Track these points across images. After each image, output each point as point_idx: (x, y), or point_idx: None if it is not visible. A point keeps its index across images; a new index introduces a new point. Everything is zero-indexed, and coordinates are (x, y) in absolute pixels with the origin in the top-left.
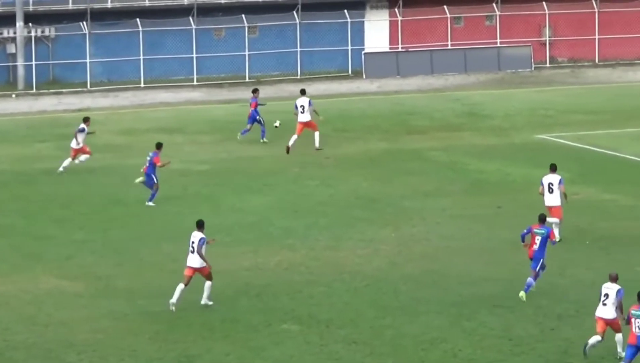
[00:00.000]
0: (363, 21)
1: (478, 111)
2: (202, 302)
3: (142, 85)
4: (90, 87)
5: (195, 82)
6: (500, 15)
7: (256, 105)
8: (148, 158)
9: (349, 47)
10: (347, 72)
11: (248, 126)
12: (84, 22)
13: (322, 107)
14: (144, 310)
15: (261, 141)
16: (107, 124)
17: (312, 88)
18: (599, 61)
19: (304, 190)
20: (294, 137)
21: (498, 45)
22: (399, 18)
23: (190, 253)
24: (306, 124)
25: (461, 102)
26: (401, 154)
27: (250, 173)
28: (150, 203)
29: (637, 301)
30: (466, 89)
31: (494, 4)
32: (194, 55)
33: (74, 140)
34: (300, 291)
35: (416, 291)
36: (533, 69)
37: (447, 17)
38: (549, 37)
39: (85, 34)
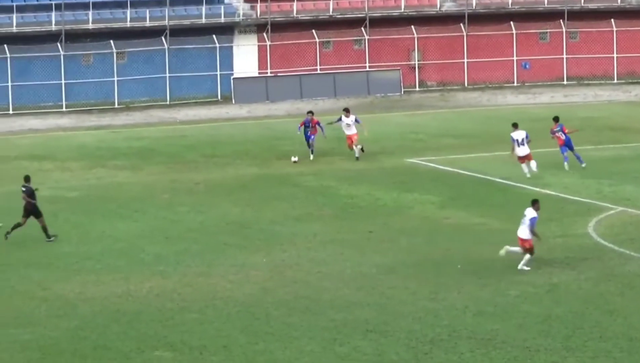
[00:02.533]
0: (232, 46)
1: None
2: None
3: (10, 111)
4: None
5: (64, 109)
6: (368, 40)
7: (316, 122)
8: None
9: (218, 72)
10: (217, 97)
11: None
12: None
13: (191, 133)
14: (15, 338)
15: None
16: None
17: (182, 113)
18: (468, 85)
19: (175, 216)
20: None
21: (367, 69)
22: (268, 43)
23: None
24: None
25: (331, 127)
26: (271, 179)
27: (120, 199)
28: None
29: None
30: (336, 114)
31: (363, 28)
32: (63, 81)
33: None
34: (172, 318)
35: (288, 317)
36: (403, 93)
37: (315, 42)
38: (418, 60)
39: None
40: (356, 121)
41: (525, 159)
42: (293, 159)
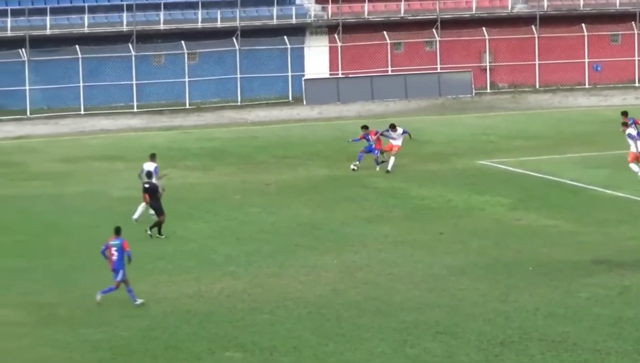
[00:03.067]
0: (303, 47)
1: (419, 137)
2: None
3: (82, 112)
4: (30, 114)
5: (135, 109)
6: (440, 41)
7: (376, 133)
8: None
9: (289, 74)
10: (288, 98)
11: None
12: (23, 49)
13: (263, 133)
14: (86, 338)
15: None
16: (46, 151)
17: (253, 115)
18: (539, 87)
19: (246, 217)
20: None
21: (438, 71)
22: (339, 44)
23: None
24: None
25: (402, 128)
26: (342, 181)
27: (191, 200)
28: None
29: None
30: (407, 115)
31: (434, 30)
32: (134, 82)
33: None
34: (243, 319)
35: (359, 318)
36: (474, 94)
37: (387, 43)
38: (490, 62)
39: (24, 60)
40: (404, 132)
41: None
42: (352, 166)
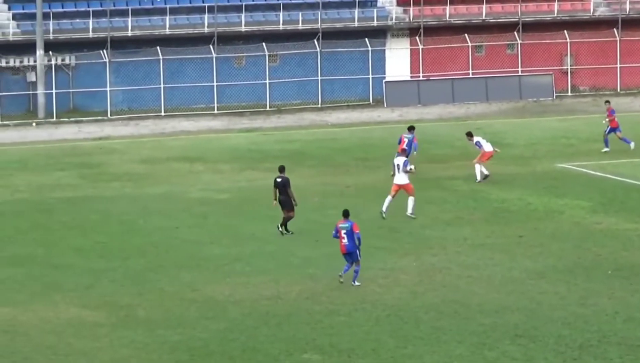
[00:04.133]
0: (384, 49)
1: (500, 140)
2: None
3: (162, 113)
4: (111, 115)
5: (215, 111)
6: (521, 44)
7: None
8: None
9: (370, 76)
10: (368, 100)
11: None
12: (104, 50)
13: (343, 136)
14: (164, 339)
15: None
16: (127, 152)
17: (333, 117)
18: (620, 90)
19: (325, 219)
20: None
21: (519, 73)
22: (420, 47)
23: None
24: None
25: (482, 131)
26: (422, 183)
27: (270, 201)
28: None
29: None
30: (488, 118)
31: (515, 33)
32: (215, 83)
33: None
34: (321, 321)
35: (437, 321)
36: (555, 97)
37: (468, 46)
38: (571, 65)
39: (105, 62)
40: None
41: None
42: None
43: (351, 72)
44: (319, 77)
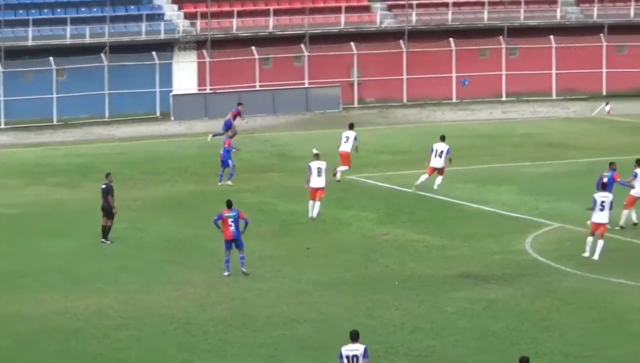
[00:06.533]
0: (171, 63)
1: (287, 152)
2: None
3: None
4: None
5: (2, 126)
6: (308, 56)
7: (236, 115)
8: None
9: (157, 89)
10: (156, 114)
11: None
12: None
13: (130, 149)
14: None
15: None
16: None
17: (120, 131)
18: (407, 101)
19: (114, 233)
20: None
21: (306, 86)
22: (207, 59)
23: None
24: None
25: (270, 143)
26: (210, 196)
27: (58, 216)
28: None
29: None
30: (275, 131)
31: (302, 45)
32: (2, 98)
33: None
34: (109, 335)
35: (225, 334)
36: (341, 109)
37: (255, 58)
38: (358, 77)
39: None
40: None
41: None
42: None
43: (139, 85)
44: (106, 91)
